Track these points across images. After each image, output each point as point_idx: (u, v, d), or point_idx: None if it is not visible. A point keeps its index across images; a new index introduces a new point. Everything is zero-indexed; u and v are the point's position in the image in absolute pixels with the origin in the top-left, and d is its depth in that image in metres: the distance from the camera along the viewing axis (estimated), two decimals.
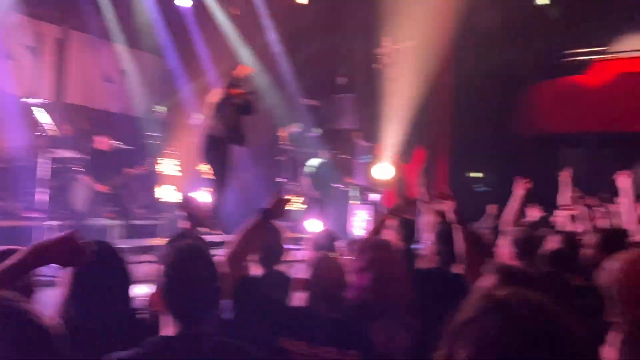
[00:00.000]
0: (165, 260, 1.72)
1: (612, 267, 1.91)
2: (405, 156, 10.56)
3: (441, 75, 10.54)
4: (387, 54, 10.61)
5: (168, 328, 1.67)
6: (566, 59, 11.77)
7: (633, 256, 1.93)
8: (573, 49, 11.59)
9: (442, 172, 10.89)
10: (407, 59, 10.20)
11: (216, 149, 6.65)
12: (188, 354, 1.63)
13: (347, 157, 11.40)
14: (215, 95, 6.74)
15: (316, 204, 9.03)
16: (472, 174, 11.66)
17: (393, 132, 10.47)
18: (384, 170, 10.29)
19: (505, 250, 3.09)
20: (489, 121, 11.05)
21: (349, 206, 11.10)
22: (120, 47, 10.26)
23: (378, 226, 3.00)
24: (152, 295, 1.72)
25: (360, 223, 10.39)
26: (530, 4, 11.19)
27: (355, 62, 11.18)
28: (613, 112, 11.08)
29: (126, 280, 2.00)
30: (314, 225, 7.52)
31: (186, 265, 1.70)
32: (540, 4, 11.12)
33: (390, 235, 3.65)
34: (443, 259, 2.97)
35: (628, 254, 1.96)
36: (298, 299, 2.30)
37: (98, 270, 1.96)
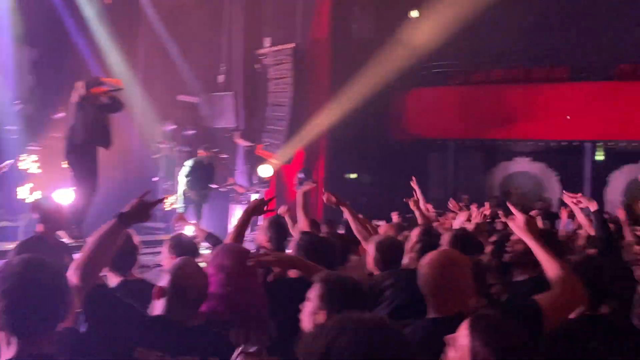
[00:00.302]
0: (3, 273, 1.57)
1: (421, 267, 2.09)
2: (285, 157, 10.68)
3: (319, 78, 10.81)
4: (267, 55, 10.66)
5: (7, 349, 1.54)
6: (432, 70, 12.62)
7: (433, 256, 2.13)
8: (438, 61, 12.46)
9: (321, 173, 11.16)
10: (287, 60, 10.32)
11: (78, 153, 6.22)
12: None
13: (227, 156, 11.28)
14: (76, 94, 6.29)
15: (192, 205, 8.82)
16: (348, 175, 12.08)
17: (273, 132, 10.54)
18: (264, 170, 10.32)
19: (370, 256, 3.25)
20: (364, 125, 11.52)
21: (229, 207, 11.00)
22: None
23: (239, 228, 2.96)
24: None
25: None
26: (405, 16, 11.85)
27: (236, 61, 11.10)
28: (472, 120, 12.07)
29: None
30: (185, 228, 7.31)
31: (23, 280, 1.56)
32: (412, 17, 11.82)
33: (259, 236, 3.66)
34: None
35: (435, 254, 2.16)
36: (158, 307, 2.22)
37: None
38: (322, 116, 10.65)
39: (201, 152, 8.93)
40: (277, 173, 11.00)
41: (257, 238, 3.91)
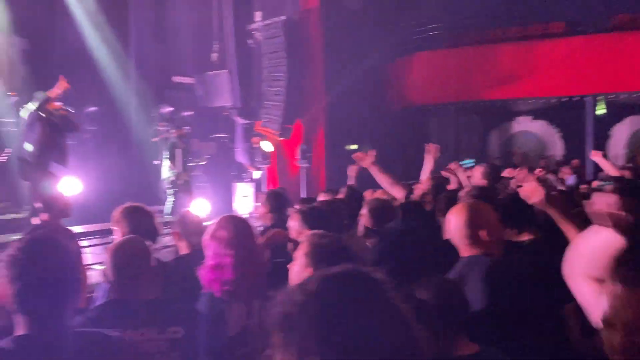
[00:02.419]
0: (12, 256, 1.58)
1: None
2: (284, 132, 10.63)
3: (312, 49, 10.69)
4: (259, 29, 10.52)
5: (20, 327, 1.55)
6: (427, 34, 12.46)
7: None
8: (432, 24, 12.30)
9: (321, 145, 11.12)
10: (279, 34, 10.19)
11: (32, 171, 6.20)
12: (43, 350, 1.54)
13: (225, 135, 11.25)
14: (28, 111, 6.23)
15: (185, 184, 8.86)
16: (348, 147, 12.03)
17: (271, 108, 10.47)
18: (265, 146, 10.29)
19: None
20: (362, 94, 11.44)
21: (232, 185, 11.04)
22: None
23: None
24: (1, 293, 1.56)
25: (242, 200, 10.36)
26: None
27: (228, 38, 10.97)
28: (470, 82, 11.96)
29: None
30: (197, 205, 7.36)
31: (37, 259, 1.58)
32: None
33: (260, 209, 3.69)
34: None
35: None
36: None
37: None
38: (319, 88, 10.57)
39: (172, 131, 8.99)
40: (278, 148, 10.97)
41: (258, 210, 3.94)
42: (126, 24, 10.74)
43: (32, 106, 6.18)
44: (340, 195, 4.27)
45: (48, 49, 10.51)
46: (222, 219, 2.36)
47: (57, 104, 6.22)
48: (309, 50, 10.65)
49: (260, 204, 4.14)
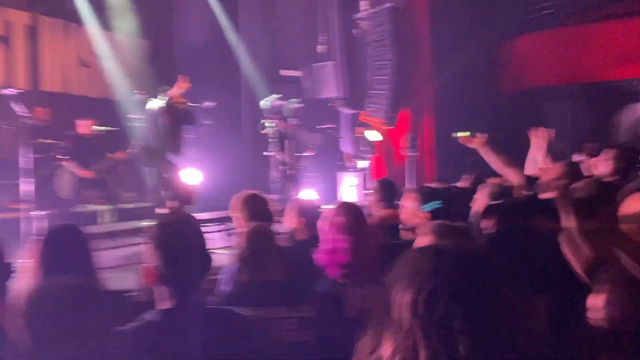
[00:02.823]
0: (157, 234, 1.72)
1: None
2: (390, 121, 10.54)
3: (419, 35, 10.47)
4: (364, 18, 10.49)
5: (164, 302, 1.69)
6: (542, 12, 11.71)
7: None
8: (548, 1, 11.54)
9: (429, 134, 10.90)
10: (385, 22, 10.09)
11: (152, 160, 6.69)
12: (186, 324, 1.65)
13: (333, 126, 11.38)
14: (154, 103, 6.71)
15: (294, 175, 9.09)
16: (457, 134, 11.66)
17: (376, 97, 10.43)
18: (371, 135, 10.24)
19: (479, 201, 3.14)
20: (471, 79, 11.03)
21: (337, 174, 11.17)
22: (94, 30, 10.08)
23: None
24: (145, 270, 1.72)
25: (348, 189, 10.45)
26: None
27: (334, 29, 11.05)
28: (588, 62, 11.10)
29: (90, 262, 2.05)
30: (305, 195, 7.57)
31: (178, 236, 1.72)
32: None
33: (370, 198, 3.69)
34: None
35: None
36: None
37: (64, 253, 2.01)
38: (426, 74, 10.35)
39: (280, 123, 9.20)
40: (384, 137, 10.91)
41: (368, 200, 3.95)
42: (236, 21, 11.22)
43: (157, 101, 6.65)
44: (463, 183, 4.15)
45: (169, 50, 11.26)
46: (338, 205, 2.41)
47: (181, 98, 6.67)
48: (415, 37, 10.45)
49: (369, 192, 4.15)
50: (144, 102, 9.40)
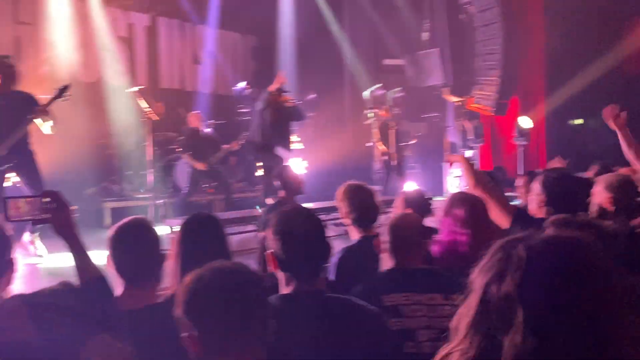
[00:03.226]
0: (276, 221, 1.78)
1: None
2: (499, 108, 10.11)
3: (531, 17, 9.92)
4: (472, 2, 10.11)
5: (284, 287, 1.76)
6: None
7: None
8: None
9: (540, 121, 10.34)
10: (494, 4, 9.66)
11: (259, 153, 7.03)
12: (306, 310, 1.70)
13: (436, 114, 11.13)
14: (263, 101, 6.92)
15: (398, 165, 8.99)
16: (572, 121, 10.95)
17: (485, 84, 10.05)
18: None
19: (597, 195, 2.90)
20: (588, 61, 10.28)
21: (443, 164, 10.91)
22: (207, 29, 10.61)
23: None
24: (267, 256, 1.79)
25: (454, 180, 10.18)
26: None
27: (439, 15, 10.77)
28: None
29: (227, 248, 2.16)
30: (408, 186, 7.48)
31: (297, 224, 1.76)
32: None
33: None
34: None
35: None
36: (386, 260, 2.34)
37: (203, 239, 2.14)
38: (539, 59, 9.80)
39: (382, 113, 9.08)
40: (491, 126, 10.50)
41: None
42: (340, 12, 11.27)
43: (262, 103, 6.93)
44: (590, 173, 3.87)
45: (273, 45, 11.57)
46: (455, 196, 2.36)
47: (287, 95, 6.88)
48: (527, 19, 9.92)
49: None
50: (251, 97, 9.78)
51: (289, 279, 1.74)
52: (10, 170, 5.16)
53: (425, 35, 10.89)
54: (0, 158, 4.97)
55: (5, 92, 5.01)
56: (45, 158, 6.50)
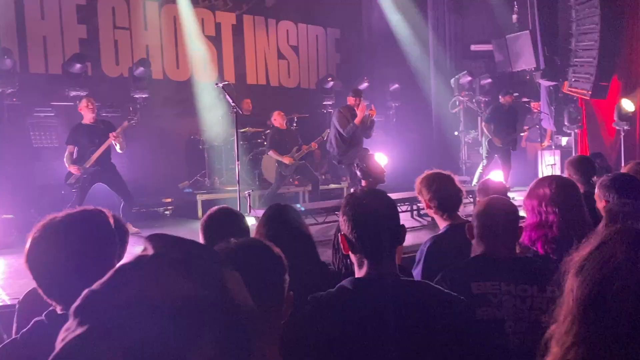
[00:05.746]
0: (348, 204, 1.75)
1: None
2: (597, 91, 9.45)
3: None
4: None
5: (358, 271, 1.73)
6: None
7: None
8: None
9: None
10: None
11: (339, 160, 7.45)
12: (377, 293, 1.66)
13: (528, 100, 10.62)
14: (347, 113, 7.25)
15: (498, 153, 8.64)
16: None
17: (581, 66, 9.43)
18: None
19: None
20: None
21: (537, 152, 10.41)
22: (291, 24, 10.78)
23: None
24: (341, 239, 1.77)
25: (548, 169, 9.69)
26: None
27: None
28: None
29: (304, 234, 2.19)
30: (494, 176, 7.20)
31: (368, 206, 1.72)
32: None
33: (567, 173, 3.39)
34: None
35: None
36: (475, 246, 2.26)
37: (283, 227, 2.19)
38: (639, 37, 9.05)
39: (503, 99, 8.72)
40: (589, 109, 9.85)
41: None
42: (424, 1, 11.04)
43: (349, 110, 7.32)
44: None
45: (356, 37, 11.55)
46: (541, 178, 2.24)
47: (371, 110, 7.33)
48: None
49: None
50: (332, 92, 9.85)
51: (361, 261, 1.70)
52: (97, 180, 6.27)
53: (514, 18, 10.40)
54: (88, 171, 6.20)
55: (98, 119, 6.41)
56: (139, 157, 6.98)
